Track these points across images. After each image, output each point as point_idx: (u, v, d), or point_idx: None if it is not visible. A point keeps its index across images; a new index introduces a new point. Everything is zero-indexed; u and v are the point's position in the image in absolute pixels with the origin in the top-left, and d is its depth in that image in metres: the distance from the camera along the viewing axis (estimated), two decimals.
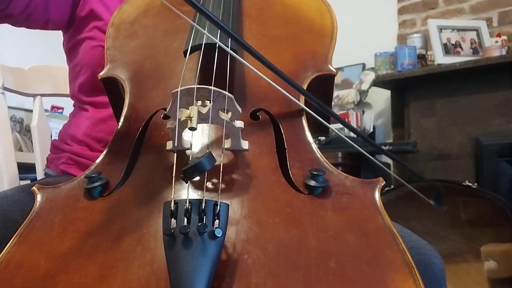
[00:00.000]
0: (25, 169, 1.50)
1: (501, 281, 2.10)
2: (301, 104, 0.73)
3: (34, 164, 1.22)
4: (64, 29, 1.10)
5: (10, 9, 0.94)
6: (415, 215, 2.30)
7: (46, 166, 1.12)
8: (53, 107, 3.03)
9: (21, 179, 1.23)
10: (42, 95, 1.29)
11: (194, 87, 0.63)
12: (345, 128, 2.98)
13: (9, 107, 1.24)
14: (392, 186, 2.45)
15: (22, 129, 2.96)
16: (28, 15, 0.99)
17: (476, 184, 2.34)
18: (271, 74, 0.69)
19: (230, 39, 0.72)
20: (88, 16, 1.04)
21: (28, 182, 1.60)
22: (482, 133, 2.61)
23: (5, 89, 1.22)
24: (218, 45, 0.71)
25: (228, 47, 0.69)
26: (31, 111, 1.32)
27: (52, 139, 1.18)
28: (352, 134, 2.95)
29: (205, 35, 0.74)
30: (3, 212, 0.81)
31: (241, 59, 0.70)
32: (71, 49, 1.08)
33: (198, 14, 0.83)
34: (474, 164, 2.64)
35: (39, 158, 1.21)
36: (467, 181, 2.29)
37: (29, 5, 0.97)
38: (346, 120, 3.00)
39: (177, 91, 0.63)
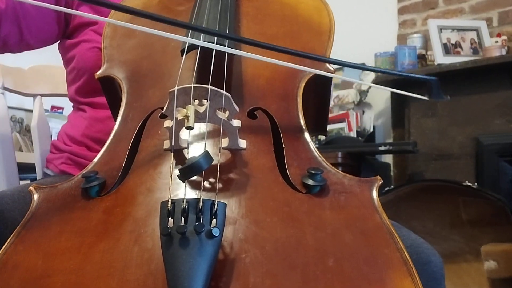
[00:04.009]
0: (25, 169, 1.50)
1: (501, 281, 2.10)
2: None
3: (34, 164, 1.22)
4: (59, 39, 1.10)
5: None
6: (415, 215, 2.30)
7: (46, 166, 1.12)
8: (53, 107, 3.03)
9: (21, 179, 1.23)
10: (42, 95, 1.29)
11: (191, 86, 0.63)
12: (345, 128, 2.98)
13: (9, 107, 1.24)
14: (391, 186, 2.45)
15: (22, 129, 2.96)
16: (4, 43, 0.98)
17: (476, 184, 2.34)
18: (270, 69, 0.69)
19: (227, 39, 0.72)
20: (82, 24, 1.04)
21: (28, 182, 1.60)
22: (483, 133, 2.61)
23: (5, 89, 1.22)
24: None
25: (225, 46, 0.69)
26: (31, 111, 1.31)
27: (52, 139, 1.18)
28: (351, 134, 2.95)
29: (202, 34, 0.74)
30: (3, 211, 0.81)
31: (239, 51, 0.70)
32: (66, 51, 1.08)
33: (194, 15, 0.82)
34: (475, 164, 2.64)
35: (39, 158, 1.21)
36: (467, 181, 2.29)
37: None
38: (346, 120, 2.99)
39: (174, 90, 0.63)
